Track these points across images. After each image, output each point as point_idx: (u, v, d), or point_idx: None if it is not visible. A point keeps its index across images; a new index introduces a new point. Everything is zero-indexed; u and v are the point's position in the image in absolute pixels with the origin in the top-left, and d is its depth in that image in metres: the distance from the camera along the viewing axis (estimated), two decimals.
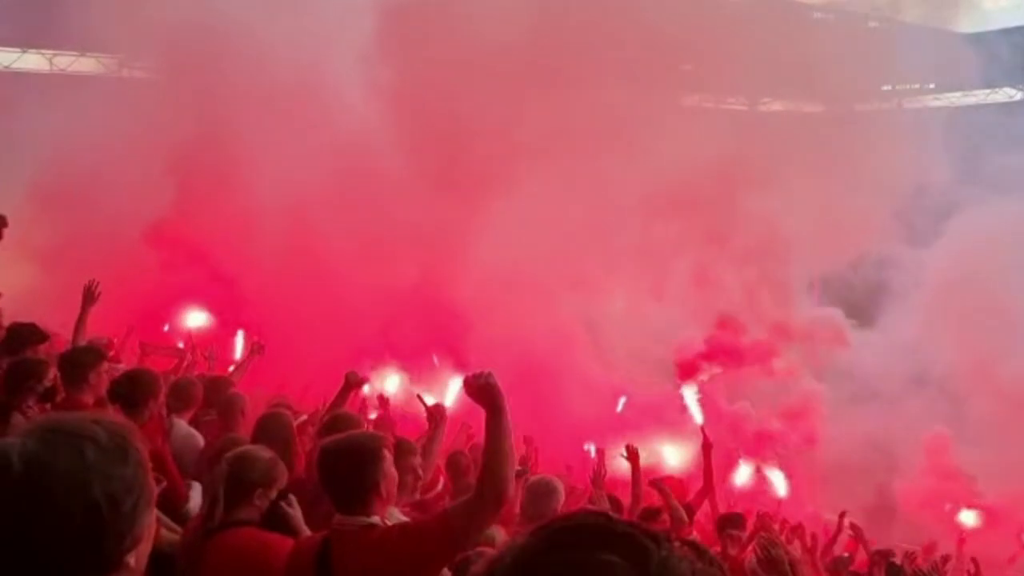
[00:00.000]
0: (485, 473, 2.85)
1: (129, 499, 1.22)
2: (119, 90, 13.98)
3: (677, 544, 0.94)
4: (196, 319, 12.01)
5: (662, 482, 6.66)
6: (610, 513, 0.97)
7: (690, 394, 13.50)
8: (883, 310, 14.87)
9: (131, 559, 1.24)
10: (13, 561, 1.15)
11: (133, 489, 1.23)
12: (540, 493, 4.22)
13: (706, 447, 7.64)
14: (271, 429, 4.15)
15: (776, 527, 6.62)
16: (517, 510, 4.31)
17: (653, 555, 0.90)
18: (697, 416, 13.13)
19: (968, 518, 12.77)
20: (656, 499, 6.40)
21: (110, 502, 1.20)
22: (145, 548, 1.27)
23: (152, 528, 1.29)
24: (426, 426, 5.04)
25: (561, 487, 4.41)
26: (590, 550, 0.90)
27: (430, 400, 5.23)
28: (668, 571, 0.90)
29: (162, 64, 12.77)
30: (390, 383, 11.36)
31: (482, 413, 2.80)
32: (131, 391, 4.20)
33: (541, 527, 0.95)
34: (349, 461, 2.78)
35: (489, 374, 2.78)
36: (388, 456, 2.85)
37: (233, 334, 11.69)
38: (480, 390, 2.76)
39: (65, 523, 1.17)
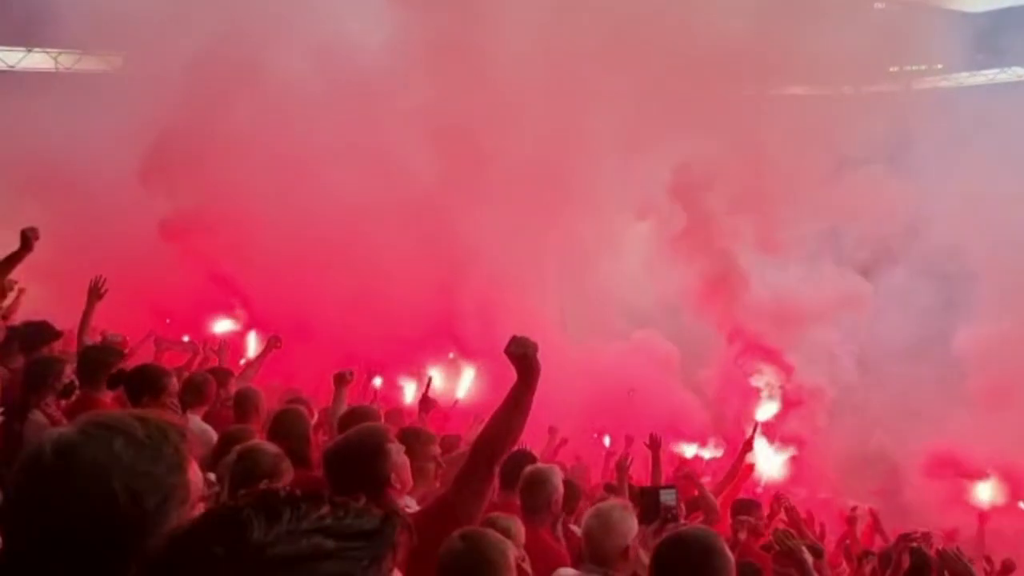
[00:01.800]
0: (483, 434, 2.89)
1: (154, 498, 1.22)
2: (125, 87, 13.87)
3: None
4: (206, 318, 11.98)
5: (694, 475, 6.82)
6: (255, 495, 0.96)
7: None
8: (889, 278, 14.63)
9: None
10: (40, 541, 1.21)
11: (161, 488, 1.23)
12: (531, 482, 4.06)
13: (747, 446, 7.76)
14: (288, 424, 4.16)
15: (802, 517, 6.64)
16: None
17: (251, 541, 0.90)
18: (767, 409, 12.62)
19: (984, 491, 12.21)
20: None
21: (130, 496, 1.21)
22: None
23: None
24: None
25: (557, 476, 4.18)
26: (208, 540, 0.92)
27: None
28: (266, 558, 0.89)
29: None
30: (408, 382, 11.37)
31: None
32: (134, 384, 4.19)
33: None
34: (354, 461, 2.78)
35: (535, 345, 2.82)
36: (393, 446, 2.83)
37: (241, 327, 11.68)
38: (521, 358, 2.80)
39: (84, 510, 1.20)
